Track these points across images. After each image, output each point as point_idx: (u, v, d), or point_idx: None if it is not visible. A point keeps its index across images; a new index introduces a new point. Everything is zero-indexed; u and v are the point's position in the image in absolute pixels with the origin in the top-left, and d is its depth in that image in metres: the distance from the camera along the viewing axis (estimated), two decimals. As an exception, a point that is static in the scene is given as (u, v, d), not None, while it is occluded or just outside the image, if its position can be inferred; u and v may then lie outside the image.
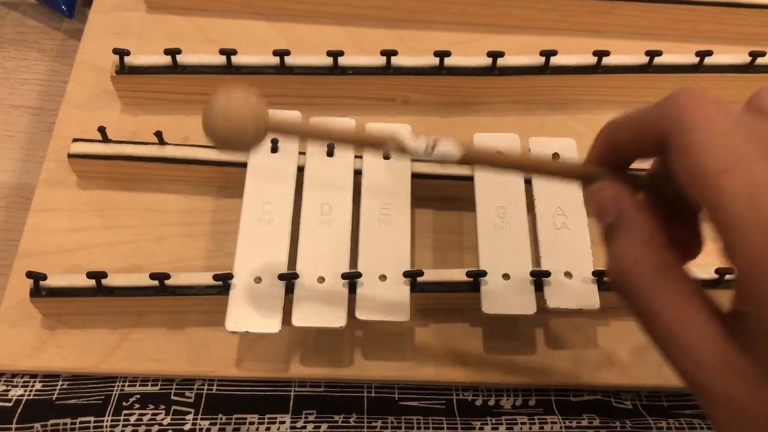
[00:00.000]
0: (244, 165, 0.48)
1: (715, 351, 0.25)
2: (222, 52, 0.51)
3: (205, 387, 0.45)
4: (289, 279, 0.43)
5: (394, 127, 0.48)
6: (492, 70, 0.53)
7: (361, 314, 0.43)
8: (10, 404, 0.44)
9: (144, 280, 0.44)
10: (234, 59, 0.51)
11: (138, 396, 0.44)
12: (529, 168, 0.36)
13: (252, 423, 0.44)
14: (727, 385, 0.25)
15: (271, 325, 0.42)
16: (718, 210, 0.24)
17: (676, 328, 0.26)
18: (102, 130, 0.49)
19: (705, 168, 0.25)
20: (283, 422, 0.44)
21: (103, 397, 0.44)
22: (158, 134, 0.49)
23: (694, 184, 0.25)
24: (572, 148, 0.50)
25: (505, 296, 0.44)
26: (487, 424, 0.44)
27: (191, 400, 0.44)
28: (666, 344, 0.27)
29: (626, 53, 0.54)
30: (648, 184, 0.32)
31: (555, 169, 0.35)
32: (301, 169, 0.48)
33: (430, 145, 0.33)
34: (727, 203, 0.24)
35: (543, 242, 0.46)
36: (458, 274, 0.45)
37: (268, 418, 0.44)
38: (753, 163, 0.24)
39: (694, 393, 0.26)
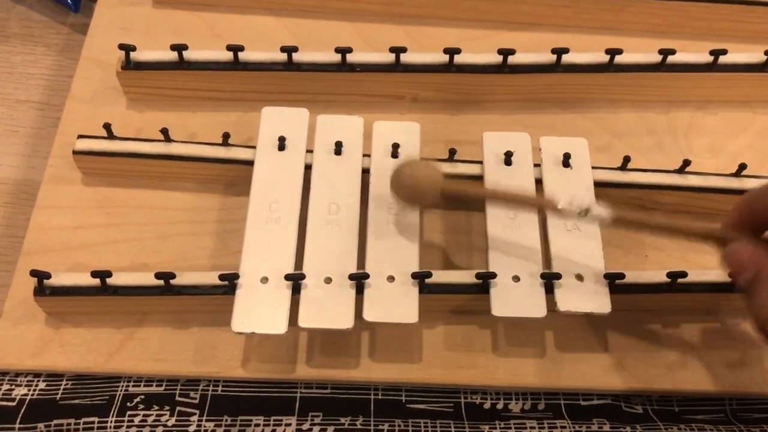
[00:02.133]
0: (251, 163, 0.47)
1: None
2: (229, 48, 0.50)
3: (210, 388, 0.44)
4: (295, 279, 0.42)
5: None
6: (502, 68, 0.52)
7: (368, 315, 0.42)
8: (14, 404, 0.43)
9: (149, 279, 0.43)
10: (241, 55, 0.51)
11: (142, 396, 0.44)
12: (669, 229, 0.40)
13: (257, 425, 0.43)
14: None
15: (278, 325, 0.41)
16: None
17: None
18: (107, 126, 0.49)
19: None
20: (289, 424, 0.43)
21: (107, 397, 0.44)
22: (164, 131, 0.49)
23: None
24: (584, 148, 0.49)
25: (516, 299, 0.43)
26: (495, 428, 0.44)
27: (196, 401, 0.44)
28: None
29: (639, 51, 0.53)
30: None
31: (695, 231, 0.40)
32: (308, 168, 0.47)
33: (583, 211, 0.39)
34: None
35: (554, 244, 0.45)
36: (467, 276, 0.44)
37: (274, 420, 0.43)
38: None
39: None
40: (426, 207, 0.44)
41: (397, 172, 0.42)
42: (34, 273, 0.43)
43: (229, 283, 0.42)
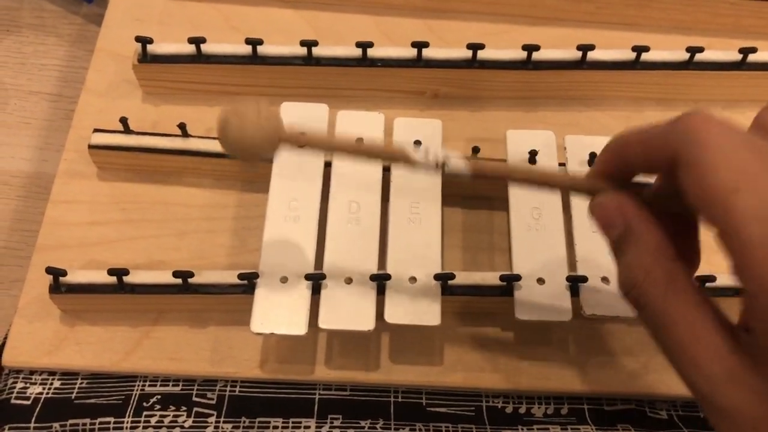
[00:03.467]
0: (269, 159, 0.46)
1: (723, 364, 0.26)
2: (248, 41, 0.49)
3: (228, 388, 0.44)
4: (316, 279, 0.42)
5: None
6: (527, 64, 0.51)
7: (390, 317, 0.41)
8: (29, 402, 0.43)
9: (167, 277, 0.42)
10: (260, 49, 0.50)
11: (159, 396, 0.43)
12: (536, 181, 0.35)
13: (276, 427, 0.42)
14: (734, 398, 0.25)
15: (298, 326, 0.40)
16: (728, 229, 0.25)
17: (686, 340, 0.27)
18: (124, 121, 0.48)
19: (715, 187, 0.25)
20: (308, 427, 0.43)
21: (123, 397, 0.43)
22: (182, 126, 0.48)
23: (704, 203, 0.26)
24: (609, 147, 0.48)
25: (540, 302, 0.42)
26: (517, 432, 0.43)
27: (213, 402, 0.43)
28: (675, 355, 0.27)
29: (663, 48, 0.52)
30: (652, 198, 0.32)
31: (560, 181, 0.36)
32: (328, 165, 0.46)
33: (440, 162, 0.35)
34: (737, 222, 0.24)
35: (579, 246, 0.44)
36: (491, 278, 0.43)
37: (293, 422, 0.43)
38: (763, 182, 0.24)
39: (702, 405, 0.27)
40: (259, 158, 0.35)
41: (224, 112, 0.34)
42: (49, 270, 0.42)
43: (248, 283, 0.42)
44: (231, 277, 0.42)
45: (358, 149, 0.36)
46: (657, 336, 0.28)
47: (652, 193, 0.32)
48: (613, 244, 0.31)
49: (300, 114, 0.48)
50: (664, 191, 0.32)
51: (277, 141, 0.34)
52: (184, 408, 0.43)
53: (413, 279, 0.42)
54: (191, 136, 0.48)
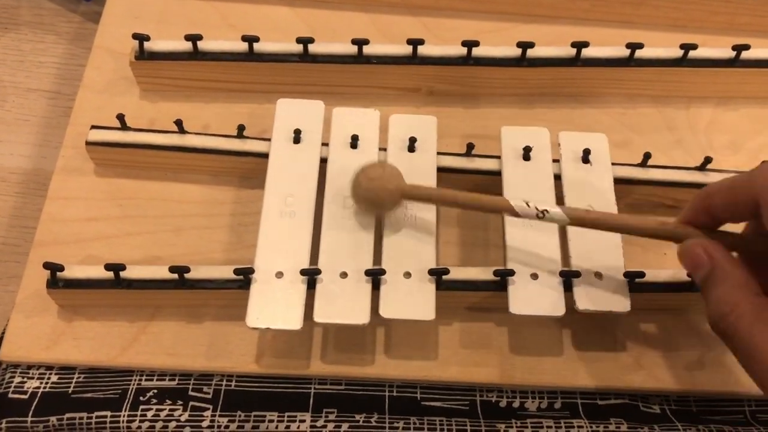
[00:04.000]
0: (265, 156, 0.47)
1: None
2: (244, 39, 0.50)
3: (224, 383, 0.44)
4: (311, 274, 0.42)
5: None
6: (521, 62, 0.51)
7: (384, 312, 0.41)
8: (26, 396, 0.43)
9: (163, 272, 0.43)
10: (256, 46, 0.50)
11: (155, 391, 0.43)
12: (631, 229, 0.40)
13: (271, 421, 0.43)
14: None
15: (293, 321, 0.41)
16: None
17: None
18: (121, 117, 0.48)
19: None
20: (303, 420, 0.43)
21: (120, 391, 0.43)
22: (178, 122, 0.48)
23: None
24: (603, 144, 0.48)
25: (534, 296, 0.42)
26: (511, 426, 0.43)
27: (209, 396, 0.43)
28: (765, 381, 0.31)
29: (658, 46, 0.52)
30: (738, 242, 0.37)
31: (652, 228, 0.39)
32: (324, 161, 0.47)
33: (540, 213, 0.40)
34: None
35: (573, 241, 0.44)
36: (485, 273, 0.43)
37: (288, 416, 0.43)
38: None
39: None
40: (386, 210, 0.43)
41: (356, 175, 0.42)
42: (47, 265, 0.42)
43: (244, 278, 0.42)
44: (227, 272, 0.43)
45: (470, 202, 0.42)
46: (746, 363, 0.32)
47: (738, 237, 0.37)
48: (701, 283, 0.35)
49: (296, 111, 0.48)
50: (750, 235, 0.37)
51: (399, 197, 0.42)
52: (180, 402, 0.43)
53: (408, 274, 0.43)
54: (188, 132, 0.48)
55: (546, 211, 0.40)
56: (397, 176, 0.42)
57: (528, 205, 0.40)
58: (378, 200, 0.42)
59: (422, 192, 0.43)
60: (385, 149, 0.47)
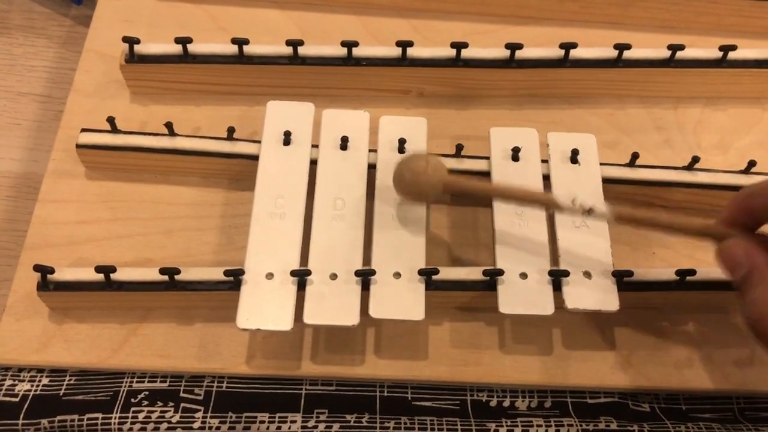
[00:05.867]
0: (256, 158, 0.47)
1: None
2: (234, 41, 0.50)
3: (215, 384, 0.44)
4: (301, 275, 0.42)
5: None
6: (510, 63, 0.52)
7: (374, 312, 0.42)
8: (17, 399, 0.43)
9: (153, 274, 0.43)
10: (246, 49, 0.50)
11: (146, 393, 0.43)
12: (678, 228, 0.40)
13: (263, 422, 0.43)
14: None
15: (283, 322, 0.41)
16: None
17: None
18: (111, 120, 0.48)
19: None
20: (294, 421, 0.43)
21: (111, 393, 0.43)
22: (168, 125, 0.48)
23: None
24: (592, 144, 0.48)
25: (523, 296, 0.43)
26: (501, 425, 0.43)
27: (200, 398, 0.44)
28: None
29: (647, 47, 0.53)
30: None
31: (695, 227, 0.39)
32: (314, 163, 0.47)
33: (586, 210, 0.40)
34: None
35: (562, 241, 0.44)
36: (474, 273, 0.44)
37: (279, 417, 0.43)
38: None
39: None
40: (429, 202, 0.44)
41: (399, 166, 0.42)
42: (37, 268, 0.42)
43: (234, 279, 0.42)
44: (217, 274, 0.43)
45: (513, 195, 0.42)
46: None
47: None
48: (739, 283, 0.35)
49: (286, 113, 0.48)
50: None
51: (441, 189, 0.42)
52: (171, 404, 0.43)
53: (397, 274, 0.43)
54: (178, 135, 0.49)
55: (592, 209, 0.40)
56: (440, 169, 0.42)
57: (573, 203, 0.40)
58: (421, 193, 0.43)
59: (465, 185, 0.44)
60: (375, 151, 0.48)
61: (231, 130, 0.48)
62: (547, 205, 0.43)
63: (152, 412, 0.43)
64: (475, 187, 0.44)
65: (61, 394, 0.43)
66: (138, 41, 0.50)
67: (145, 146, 0.48)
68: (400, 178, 0.42)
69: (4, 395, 0.43)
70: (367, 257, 0.43)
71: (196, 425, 0.42)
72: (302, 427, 0.43)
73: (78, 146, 0.49)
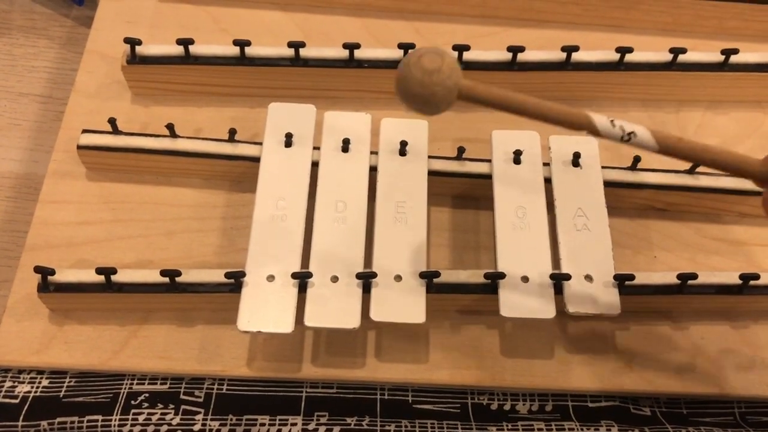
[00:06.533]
0: (257, 159, 0.47)
1: None
2: (236, 43, 0.50)
3: (215, 386, 0.44)
4: (302, 278, 0.42)
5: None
6: (512, 65, 0.52)
7: (375, 315, 0.42)
8: (17, 401, 0.43)
9: (154, 276, 0.43)
10: (248, 50, 0.50)
11: (147, 395, 0.43)
12: (716, 162, 0.34)
13: (263, 424, 0.43)
14: None
15: (284, 324, 0.41)
16: None
17: None
18: (112, 121, 0.48)
19: None
20: (295, 424, 0.43)
21: (111, 395, 0.43)
22: (170, 126, 0.48)
23: None
24: (593, 147, 0.48)
25: (524, 299, 0.42)
26: (502, 429, 0.43)
27: (201, 400, 0.43)
28: None
29: (648, 50, 0.53)
30: None
31: (734, 163, 0.34)
32: (315, 165, 0.47)
33: (626, 135, 0.33)
34: None
35: (563, 244, 0.44)
36: (476, 276, 0.43)
37: (280, 420, 0.43)
38: None
39: None
40: (438, 112, 0.33)
41: (407, 63, 0.32)
42: (38, 269, 0.42)
43: (235, 281, 0.42)
44: (218, 276, 0.43)
45: (539, 110, 0.34)
46: None
47: None
48: None
49: (287, 115, 0.48)
50: None
51: (455, 97, 0.33)
52: (171, 406, 0.43)
53: (399, 277, 0.43)
54: (179, 136, 0.49)
55: (633, 133, 0.33)
56: (456, 70, 0.32)
57: (613, 124, 0.33)
58: (432, 99, 0.32)
59: (484, 93, 0.33)
60: (376, 153, 0.47)
61: (232, 132, 0.48)
62: (580, 124, 0.33)
63: (152, 414, 0.43)
64: (497, 97, 0.34)
65: (61, 395, 0.43)
66: (139, 42, 0.50)
67: (146, 147, 0.48)
68: (407, 78, 0.32)
69: (4, 397, 0.43)
70: (368, 260, 0.43)
71: (196, 427, 0.42)
72: (303, 430, 0.43)
73: (79, 147, 0.48)
